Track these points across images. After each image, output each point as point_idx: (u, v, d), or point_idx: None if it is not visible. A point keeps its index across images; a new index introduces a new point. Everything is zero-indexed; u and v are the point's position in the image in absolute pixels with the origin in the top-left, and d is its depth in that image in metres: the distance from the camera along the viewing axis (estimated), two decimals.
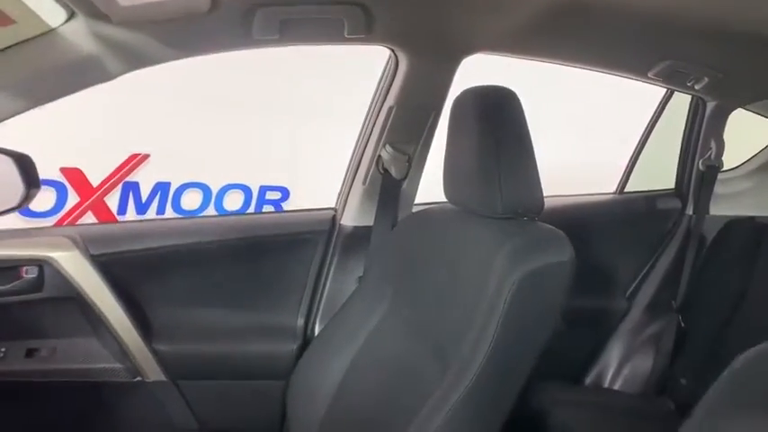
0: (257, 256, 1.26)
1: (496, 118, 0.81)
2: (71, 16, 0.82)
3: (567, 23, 1.00)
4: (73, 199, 2.85)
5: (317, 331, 1.24)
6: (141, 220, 2.58)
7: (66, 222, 2.76)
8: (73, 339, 1.14)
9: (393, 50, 1.10)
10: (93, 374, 1.13)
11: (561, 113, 2.69)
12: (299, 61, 2.47)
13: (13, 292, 1.05)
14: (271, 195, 3.16)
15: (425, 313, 0.87)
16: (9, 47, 0.83)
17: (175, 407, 1.19)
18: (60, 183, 2.78)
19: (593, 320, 1.56)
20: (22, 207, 1.15)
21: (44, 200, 2.72)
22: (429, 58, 1.10)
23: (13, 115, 0.90)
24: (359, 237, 1.26)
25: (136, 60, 0.92)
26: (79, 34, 0.84)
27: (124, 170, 2.94)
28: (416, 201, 1.30)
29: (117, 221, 2.78)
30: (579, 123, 2.90)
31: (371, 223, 1.25)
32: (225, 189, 3.10)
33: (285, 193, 3.16)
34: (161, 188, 3.02)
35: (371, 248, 1.22)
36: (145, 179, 2.97)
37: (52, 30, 0.84)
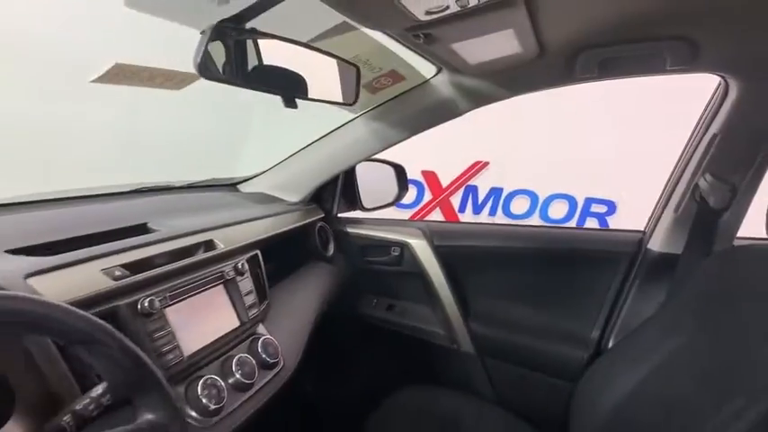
0: (565, 266, 1.38)
1: None
2: (438, 71, 1.15)
3: None
4: (427, 196, 3.52)
5: (609, 345, 1.27)
6: (474, 223, 2.98)
7: (418, 215, 3.45)
8: (415, 305, 1.52)
9: (723, 77, 1.02)
10: (423, 334, 1.49)
11: None
12: None
13: (385, 263, 1.50)
14: (596, 208, 3.16)
15: (722, 358, 0.81)
16: (402, 93, 1.23)
17: (479, 378, 1.43)
18: (420, 182, 3.47)
19: None
20: (393, 204, 1.63)
21: (407, 195, 3.45)
22: None
23: (402, 140, 1.30)
24: (665, 263, 1.22)
25: (479, 100, 1.18)
26: (442, 83, 1.17)
27: (468, 175, 3.45)
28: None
29: (455, 221, 3.27)
30: None
31: (680, 251, 1.19)
32: (551, 198, 3.29)
33: (611, 208, 3.12)
34: (495, 193, 3.43)
35: (677, 277, 1.16)
36: (483, 184, 3.43)
37: (426, 81, 1.19)
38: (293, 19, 0.70)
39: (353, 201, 1.54)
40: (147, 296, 0.70)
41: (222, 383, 0.75)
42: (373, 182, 1.57)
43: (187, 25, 0.64)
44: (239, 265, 0.92)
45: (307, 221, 1.33)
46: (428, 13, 0.67)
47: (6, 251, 0.68)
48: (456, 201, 3.51)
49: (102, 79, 0.70)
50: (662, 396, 0.90)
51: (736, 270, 0.90)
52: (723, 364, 0.80)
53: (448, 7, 0.65)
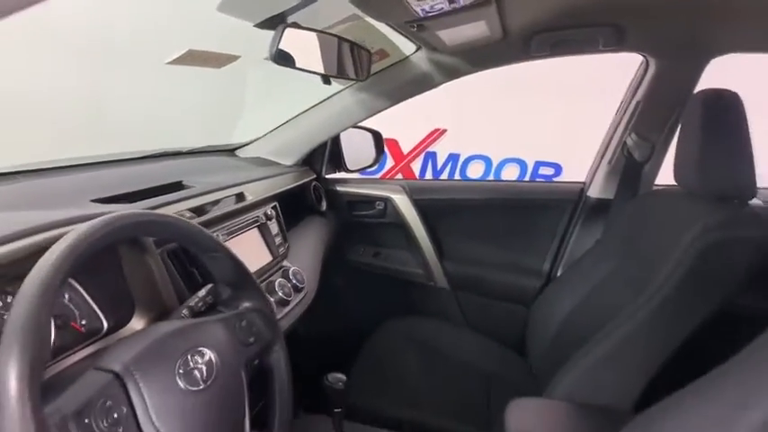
0: (521, 212, 1.64)
1: (716, 117, 0.92)
2: (417, 49, 1.35)
3: None
4: (389, 162, 3.69)
5: (557, 275, 1.55)
6: (446, 180, 3.25)
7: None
8: (398, 251, 1.77)
9: (644, 56, 1.28)
10: (405, 275, 1.74)
11: None
12: None
13: (371, 216, 1.73)
14: (544, 171, 3.43)
15: (638, 274, 1.02)
16: (386, 68, 1.41)
17: (452, 308, 1.70)
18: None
19: None
20: (372, 167, 1.84)
21: None
22: (678, 61, 1.24)
23: (384, 110, 1.49)
24: (601, 207, 1.49)
25: (452, 74, 1.39)
26: (421, 59, 1.37)
27: (427, 142, 3.64)
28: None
29: (429, 180, 3.47)
30: None
31: (612, 197, 1.45)
32: (504, 162, 3.53)
33: (558, 170, 3.39)
34: (452, 158, 3.64)
35: (610, 217, 1.42)
36: (441, 150, 3.62)
37: (406, 57, 1.39)
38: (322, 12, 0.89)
39: (338, 163, 1.74)
40: (214, 232, 0.90)
41: (271, 299, 0.97)
42: (355, 146, 1.76)
43: (243, 19, 0.82)
44: (268, 212, 1.12)
45: (304, 181, 1.53)
46: (426, 11, 0.88)
47: (92, 200, 0.85)
48: (416, 166, 3.69)
49: (177, 62, 0.87)
50: (596, 309, 1.11)
51: (653, 208, 1.12)
52: (638, 277, 1.01)
53: (442, 8, 0.87)
